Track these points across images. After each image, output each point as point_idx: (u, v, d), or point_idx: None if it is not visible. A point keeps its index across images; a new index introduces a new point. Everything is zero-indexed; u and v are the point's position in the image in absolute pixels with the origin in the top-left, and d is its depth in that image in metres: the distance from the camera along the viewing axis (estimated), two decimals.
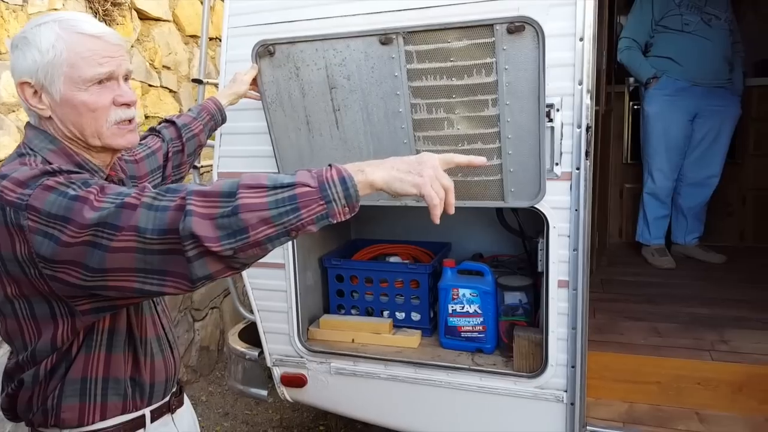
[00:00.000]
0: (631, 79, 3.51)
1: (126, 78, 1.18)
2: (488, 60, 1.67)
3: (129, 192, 1.01)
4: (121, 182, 1.32)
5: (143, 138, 1.56)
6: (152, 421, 1.28)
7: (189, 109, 1.72)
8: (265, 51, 1.84)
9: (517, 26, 1.60)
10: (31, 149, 1.14)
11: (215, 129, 1.80)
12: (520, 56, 1.64)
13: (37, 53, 1.10)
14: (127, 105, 1.17)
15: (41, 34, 1.10)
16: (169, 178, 1.59)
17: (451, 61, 1.70)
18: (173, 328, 1.41)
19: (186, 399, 1.46)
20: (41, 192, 1.01)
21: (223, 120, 1.81)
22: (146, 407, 1.27)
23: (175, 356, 1.36)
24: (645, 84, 3.27)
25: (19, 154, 1.14)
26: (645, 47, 3.31)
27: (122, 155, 1.42)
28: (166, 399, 1.33)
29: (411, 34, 1.70)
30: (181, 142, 1.60)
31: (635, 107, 3.83)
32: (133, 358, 1.23)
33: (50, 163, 1.10)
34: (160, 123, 1.65)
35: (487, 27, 1.63)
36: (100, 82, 1.13)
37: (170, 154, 1.57)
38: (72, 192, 1.00)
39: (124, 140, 1.19)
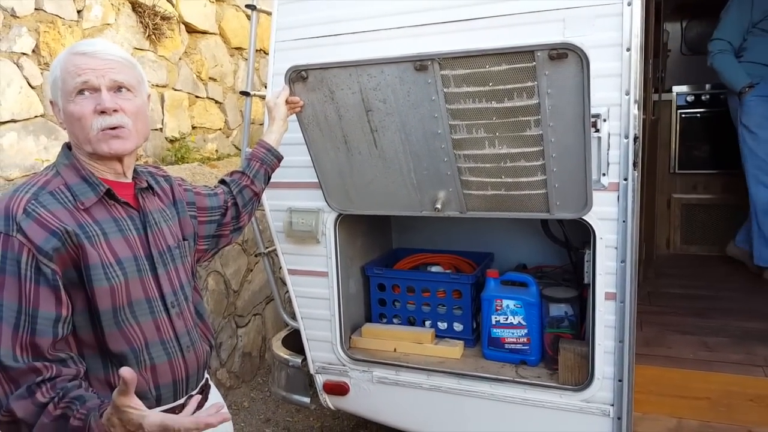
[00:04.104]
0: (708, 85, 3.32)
1: (114, 89, 1.26)
2: (529, 84, 1.61)
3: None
4: (149, 188, 1.41)
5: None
6: None
7: (241, 164, 1.81)
8: (297, 76, 1.83)
9: (559, 53, 1.53)
10: (54, 164, 1.30)
11: (273, 171, 1.85)
12: (563, 81, 1.57)
13: (51, 76, 1.29)
14: (105, 113, 1.24)
15: (55, 61, 1.28)
16: (228, 225, 1.71)
17: (490, 85, 1.65)
18: (193, 331, 1.41)
19: (213, 400, 1.48)
20: None
21: (279, 158, 1.85)
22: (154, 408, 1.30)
23: (188, 359, 1.36)
24: (739, 93, 3.08)
25: (47, 166, 1.31)
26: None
27: (181, 182, 1.57)
28: (180, 401, 1.35)
29: (447, 60, 1.64)
30: (233, 196, 1.72)
31: (682, 115, 3.75)
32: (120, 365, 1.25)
33: (62, 176, 1.25)
34: (218, 183, 1.78)
35: (527, 53, 1.56)
36: (82, 92, 1.24)
37: (229, 204, 1.71)
38: None
39: (107, 146, 1.26)
